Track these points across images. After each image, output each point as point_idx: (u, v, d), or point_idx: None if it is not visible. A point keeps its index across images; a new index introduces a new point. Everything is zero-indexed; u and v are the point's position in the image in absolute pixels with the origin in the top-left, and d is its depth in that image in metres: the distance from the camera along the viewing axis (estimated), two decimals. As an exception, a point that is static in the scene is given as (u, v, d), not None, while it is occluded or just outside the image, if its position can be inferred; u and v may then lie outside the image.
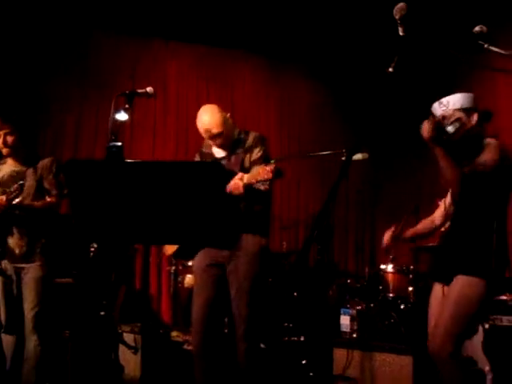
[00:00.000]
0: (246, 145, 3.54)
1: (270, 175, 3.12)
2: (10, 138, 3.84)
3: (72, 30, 6.47)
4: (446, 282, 2.91)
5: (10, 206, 3.68)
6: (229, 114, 3.62)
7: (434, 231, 3.37)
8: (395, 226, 3.39)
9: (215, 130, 3.50)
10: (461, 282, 2.81)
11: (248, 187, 3.23)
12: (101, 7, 6.20)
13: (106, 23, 6.51)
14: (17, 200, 3.67)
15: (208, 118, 3.51)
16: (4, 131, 3.82)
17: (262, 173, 3.15)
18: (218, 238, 2.17)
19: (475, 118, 2.94)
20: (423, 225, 3.40)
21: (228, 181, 3.20)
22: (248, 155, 3.51)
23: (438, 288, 3.01)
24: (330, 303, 5.36)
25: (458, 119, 2.86)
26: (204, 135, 3.58)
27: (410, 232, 3.39)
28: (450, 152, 2.82)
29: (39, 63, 6.20)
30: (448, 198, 3.20)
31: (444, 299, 2.88)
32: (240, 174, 3.25)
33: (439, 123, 2.84)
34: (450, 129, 2.82)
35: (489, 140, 2.90)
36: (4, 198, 3.67)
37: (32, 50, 6.17)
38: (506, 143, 2.97)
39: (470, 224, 2.91)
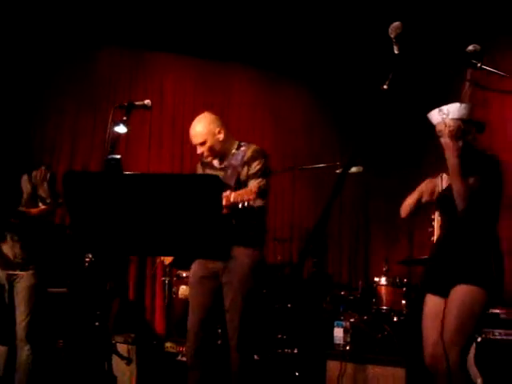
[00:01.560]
0: (245, 158, 3.46)
1: (253, 196, 3.08)
2: None
3: (67, 41, 6.48)
4: (443, 294, 2.88)
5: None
6: (219, 129, 3.51)
7: None
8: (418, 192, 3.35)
9: (195, 140, 3.49)
10: (462, 292, 2.79)
11: (232, 206, 3.15)
12: (97, 20, 6.22)
13: (102, 35, 6.52)
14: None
15: (194, 126, 3.53)
16: None
17: (245, 193, 3.11)
18: (211, 249, 2.19)
19: (474, 130, 3.01)
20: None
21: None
22: (245, 168, 3.43)
23: (432, 299, 2.97)
24: (324, 315, 5.37)
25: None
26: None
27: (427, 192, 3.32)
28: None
29: (35, 75, 6.18)
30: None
31: (445, 312, 2.83)
32: (227, 193, 3.17)
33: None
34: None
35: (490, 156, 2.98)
36: None
37: (28, 61, 6.15)
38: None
39: (469, 234, 2.91)
